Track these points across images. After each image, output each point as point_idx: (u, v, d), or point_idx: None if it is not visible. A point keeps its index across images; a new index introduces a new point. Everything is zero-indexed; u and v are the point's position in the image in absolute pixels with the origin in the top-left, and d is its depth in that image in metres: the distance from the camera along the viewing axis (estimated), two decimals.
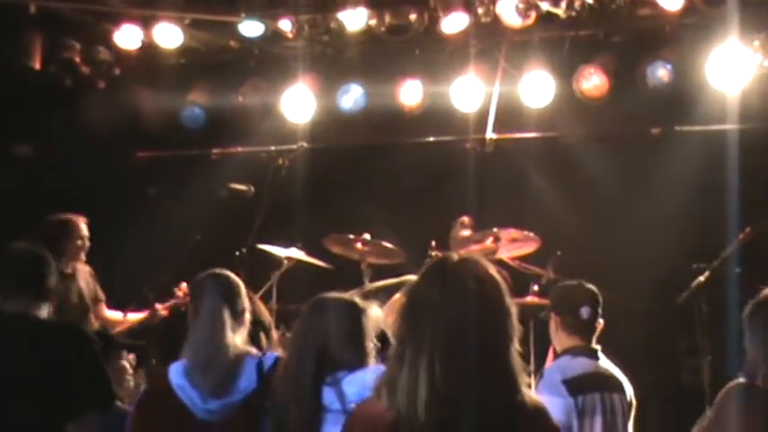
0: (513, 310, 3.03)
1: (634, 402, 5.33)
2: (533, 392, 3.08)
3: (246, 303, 4.58)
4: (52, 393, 4.38)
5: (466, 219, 8.84)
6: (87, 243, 7.83)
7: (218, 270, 4.66)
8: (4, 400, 4.35)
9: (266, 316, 5.21)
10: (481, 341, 2.94)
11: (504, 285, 3.05)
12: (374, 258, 7.84)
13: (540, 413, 3.03)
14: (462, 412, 2.89)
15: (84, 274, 7.89)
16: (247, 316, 4.56)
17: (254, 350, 4.51)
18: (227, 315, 4.44)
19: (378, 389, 3.02)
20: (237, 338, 4.45)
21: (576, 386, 5.04)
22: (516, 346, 3.00)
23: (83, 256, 7.82)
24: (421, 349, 2.93)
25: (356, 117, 9.01)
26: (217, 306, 4.45)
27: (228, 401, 4.36)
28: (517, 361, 2.99)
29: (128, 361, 5.50)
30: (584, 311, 5.23)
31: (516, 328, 3.01)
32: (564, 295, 5.38)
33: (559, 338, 5.28)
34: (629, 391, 5.33)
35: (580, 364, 5.14)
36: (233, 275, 4.65)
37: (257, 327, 5.02)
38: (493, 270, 3.06)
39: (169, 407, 4.39)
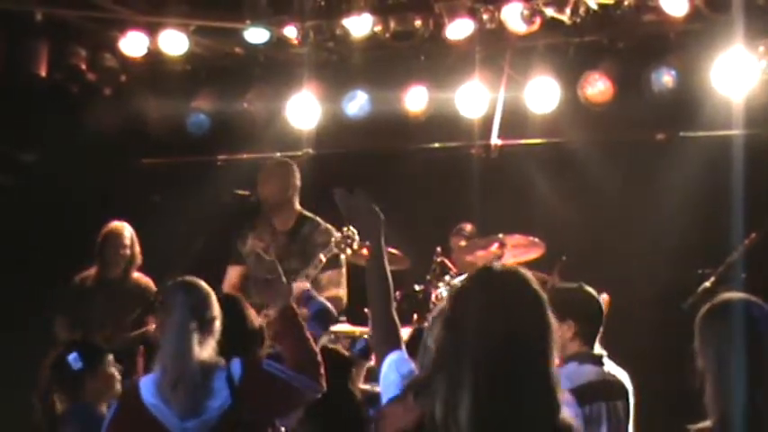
0: (555, 325, 3.02)
1: (632, 401, 5.35)
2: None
3: (216, 312, 4.51)
4: None
5: (468, 226, 8.87)
6: (127, 251, 7.86)
7: (186, 279, 4.60)
8: None
9: (259, 325, 5.19)
10: (526, 356, 2.93)
11: (546, 298, 3.03)
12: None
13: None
14: (505, 422, 2.87)
15: (138, 284, 7.93)
16: (217, 324, 4.49)
17: (221, 360, 4.45)
18: (194, 329, 4.38)
19: (407, 389, 3.02)
20: (205, 351, 4.40)
21: (583, 395, 5.01)
22: (556, 361, 2.99)
23: (121, 263, 7.85)
24: (463, 360, 2.89)
25: (361, 123, 9.02)
26: (184, 321, 4.39)
27: (206, 419, 4.33)
28: (557, 378, 2.97)
29: (115, 368, 5.49)
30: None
31: (557, 343, 3.00)
32: (584, 303, 5.27)
33: (570, 346, 5.23)
34: (631, 392, 5.34)
35: (586, 372, 5.12)
36: (202, 284, 4.59)
37: (251, 336, 5.04)
38: (535, 282, 3.04)
39: (144, 424, 4.36)
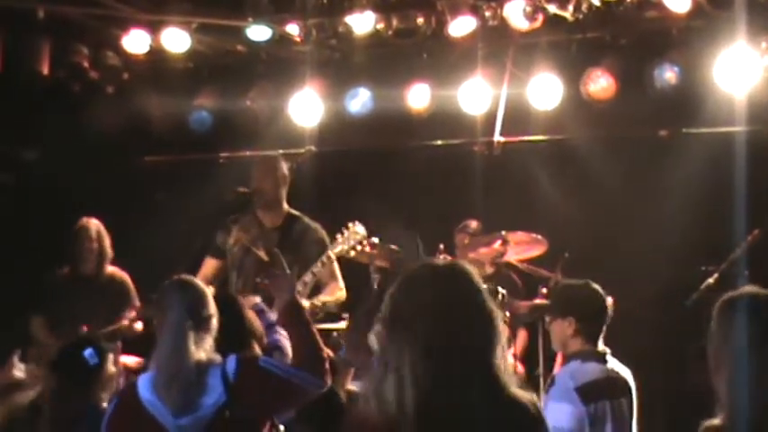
0: (497, 315, 3.05)
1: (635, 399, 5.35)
2: (523, 392, 3.09)
3: (213, 310, 4.50)
4: None
5: (473, 223, 8.87)
6: (94, 245, 7.90)
7: (182, 278, 4.61)
8: None
9: (257, 325, 5.19)
10: (467, 350, 2.96)
11: (485, 291, 3.06)
12: (382, 261, 7.84)
13: (534, 412, 3.05)
14: (451, 413, 2.92)
15: (112, 279, 7.94)
16: (214, 323, 4.48)
17: (217, 358, 4.44)
18: (190, 328, 4.38)
19: (365, 394, 3.06)
20: (202, 350, 4.39)
21: (587, 393, 5.01)
22: (501, 350, 3.02)
23: (90, 257, 7.88)
24: (403, 352, 2.95)
25: (364, 120, 9.01)
26: (180, 320, 4.38)
27: (200, 416, 4.32)
28: (502, 363, 3.01)
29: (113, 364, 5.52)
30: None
31: (500, 332, 3.03)
32: (587, 300, 5.29)
33: (572, 343, 5.24)
34: (634, 390, 5.34)
35: (590, 370, 5.12)
36: (198, 282, 4.61)
37: (249, 335, 5.03)
38: (476, 276, 3.07)
39: (141, 421, 4.35)
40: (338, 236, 7.09)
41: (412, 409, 2.92)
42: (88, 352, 5.24)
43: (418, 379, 2.93)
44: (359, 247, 7.06)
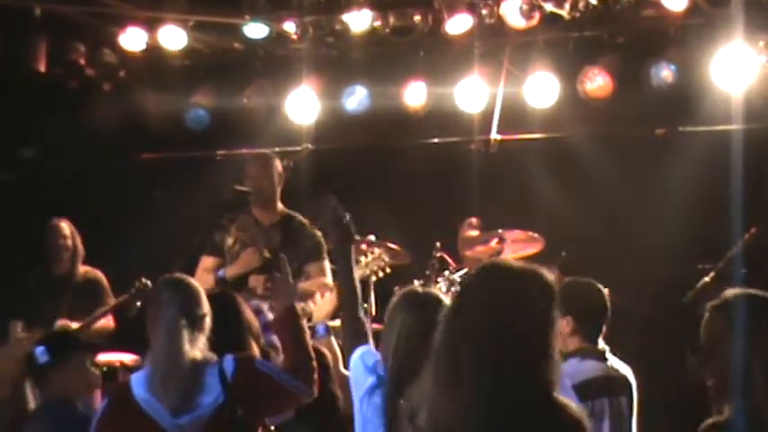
0: (557, 321, 3.00)
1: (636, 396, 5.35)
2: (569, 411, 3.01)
3: (206, 309, 4.47)
4: None
5: (474, 219, 8.88)
6: (68, 242, 7.91)
7: (176, 276, 4.60)
8: None
9: (255, 323, 5.18)
10: (519, 352, 2.90)
11: (548, 294, 2.99)
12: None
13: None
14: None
15: (85, 278, 7.95)
16: (207, 321, 4.45)
17: (213, 357, 4.42)
18: (184, 326, 4.35)
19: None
20: (196, 348, 4.37)
21: (585, 391, 4.99)
22: (547, 359, 2.95)
23: (64, 256, 7.93)
24: (452, 356, 2.93)
25: (361, 118, 9.02)
26: (174, 319, 4.35)
27: (199, 415, 4.30)
28: (553, 375, 2.94)
29: (92, 362, 5.43)
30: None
31: (546, 343, 2.96)
32: (584, 299, 5.25)
33: (571, 341, 5.21)
34: (635, 388, 5.33)
35: (589, 368, 5.12)
36: (192, 281, 4.59)
37: (247, 334, 5.02)
38: (537, 278, 3.01)
39: (136, 420, 4.32)
40: (361, 258, 7.12)
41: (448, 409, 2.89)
42: (39, 349, 5.08)
43: (460, 381, 2.88)
44: (381, 274, 7.12)
